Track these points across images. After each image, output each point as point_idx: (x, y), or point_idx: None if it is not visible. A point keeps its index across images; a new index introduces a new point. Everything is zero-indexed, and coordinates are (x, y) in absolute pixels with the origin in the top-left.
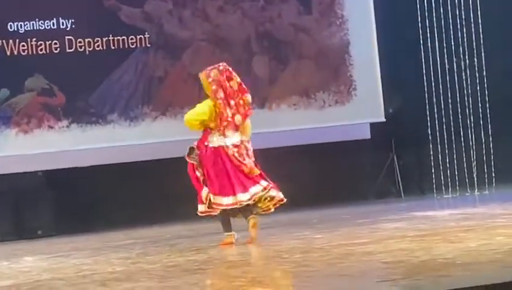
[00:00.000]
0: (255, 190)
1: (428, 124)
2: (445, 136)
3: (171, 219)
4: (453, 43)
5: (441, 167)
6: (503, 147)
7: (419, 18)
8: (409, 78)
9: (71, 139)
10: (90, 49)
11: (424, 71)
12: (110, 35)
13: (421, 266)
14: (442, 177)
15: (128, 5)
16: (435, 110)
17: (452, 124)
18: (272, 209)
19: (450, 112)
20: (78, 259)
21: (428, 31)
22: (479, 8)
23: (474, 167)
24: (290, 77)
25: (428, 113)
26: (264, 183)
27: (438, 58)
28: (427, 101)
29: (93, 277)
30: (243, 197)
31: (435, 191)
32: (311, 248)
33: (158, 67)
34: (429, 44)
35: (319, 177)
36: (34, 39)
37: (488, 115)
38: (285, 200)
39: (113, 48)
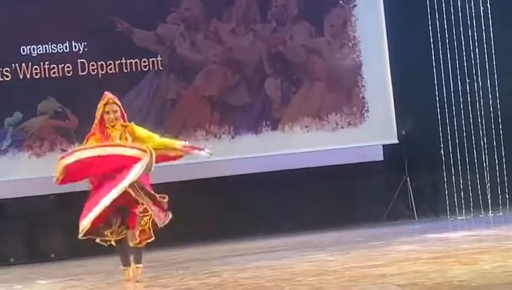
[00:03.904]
0: None
1: (442, 145)
2: (459, 158)
3: (183, 241)
4: (465, 65)
5: (455, 189)
6: None
7: (431, 39)
8: (421, 100)
9: None
10: (102, 72)
11: (436, 92)
12: (123, 58)
13: (436, 289)
14: (455, 198)
15: (140, 28)
16: (448, 132)
17: (465, 145)
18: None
19: (463, 133)
20: (90, 283)
21: (441, 52)
22: (491, 30)
23: (488, 188)
24: (302, 99)
25: (441, 134)
26: None
27: (451, 80)
28: (440, 123)
29: None
30: None
31: (448, 212)
32: (325, 270)
33: (171, 90)
34: (442, 65)
35: (331, 199)
36: (46, 62)
37: (502, 136)
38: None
39: (125, 71)
